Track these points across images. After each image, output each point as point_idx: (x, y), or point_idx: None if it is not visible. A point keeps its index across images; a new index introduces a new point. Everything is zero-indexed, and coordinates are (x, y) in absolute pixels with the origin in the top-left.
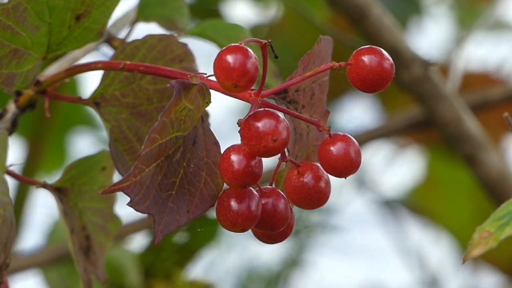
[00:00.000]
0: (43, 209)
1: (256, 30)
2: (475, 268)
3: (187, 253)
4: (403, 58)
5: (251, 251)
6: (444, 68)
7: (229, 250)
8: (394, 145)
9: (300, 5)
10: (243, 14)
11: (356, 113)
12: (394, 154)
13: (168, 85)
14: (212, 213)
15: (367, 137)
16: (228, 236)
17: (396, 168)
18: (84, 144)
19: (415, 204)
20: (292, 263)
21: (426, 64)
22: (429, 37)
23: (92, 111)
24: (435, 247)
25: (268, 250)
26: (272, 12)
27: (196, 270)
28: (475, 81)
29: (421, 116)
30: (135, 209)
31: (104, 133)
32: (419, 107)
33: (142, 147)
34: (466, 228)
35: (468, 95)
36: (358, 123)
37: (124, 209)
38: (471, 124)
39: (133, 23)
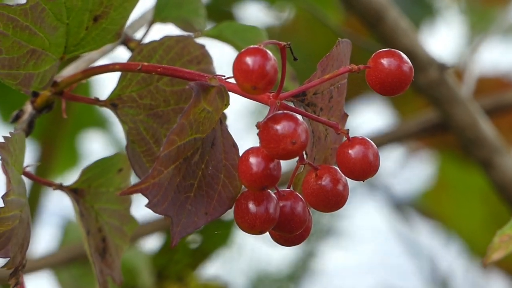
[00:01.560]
0: (55, 210)
1: (267, 32)
2: (485, 272)
3: (200, 256)
4: (419, 62)
5: (262, 253)
6: (457, 72)
7: (240, 252)
8: (406, 148)
9: (314, 7)
10: (255, 15)
11: (369, 117)
12: (405, 157)
13: (187, 86)
14: (226, 216)
15: (381, 140)
16: (240, 238)
17: (407, 171)
18: (95, 146)
19: (426, 207)
20: (303, 266)
21: (442, 67)
22: (441, 41)
23: (104, 112)
24: (445, 251)
25: (279, 252)
26: (284, 14)
27: (207, 272)
28: (488, 85)
29: (435, 120)
30: (153, 211)
31: (116, 135)
32: (435, 110)
33: (161, 148)
34: (477, 232)
35: (482, 99)
36: (371, 126)
37: (137, 211)
38: (487, 128)
39: (150, 24)
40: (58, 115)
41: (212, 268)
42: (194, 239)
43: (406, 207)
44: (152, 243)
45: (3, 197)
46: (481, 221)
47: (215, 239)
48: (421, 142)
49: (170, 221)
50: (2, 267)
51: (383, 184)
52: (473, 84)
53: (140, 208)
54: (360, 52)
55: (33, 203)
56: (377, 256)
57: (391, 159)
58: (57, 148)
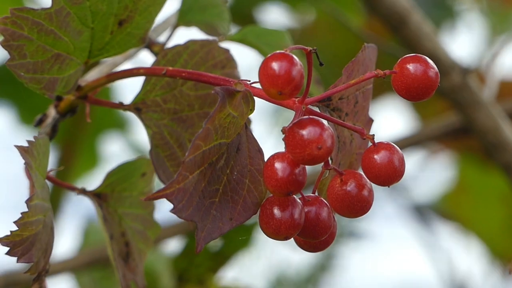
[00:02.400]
0: (75, 213)
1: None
2: (504, 275)
3: (221, 259)
4: (442, 65)
5: (281, 256)
6: (479, 75)
7: (259, 255)
8: (426, 151)
9: (336, 10)
10: (276, 18)
11: (388, 119)
12: (425, 159)
13: (212, 91)
14: (248, 220)
15: (404, 144)
16: (260, 241)
17: (427, 173)
18: (115, 148)
19: (446, 210)
20: (322, 268)
21: (464, 71)
22: (462, 43)
23: (124, 115)
24: (465, 253)
25: (298, 255)
26: (305, 17)
27: (227, 274)
28: (510, 89)
29: (457, 124)
30: (178, 216)
31: (135, 138)
32: (457, 114)
33: (186, 153)
34: (496, 235)
35: (505, 103)
36: (390, 128)
37: (157, 214)
38: (509, 132)
39: (174, 28)
40: (78, 118)
41: (232, 271)
42: (215, 243)
43: (426, 209)
44: (173, 246)
45: (27, 201)
46: (501, 224)
47: (236, 242)
48: (441, 145)
49: (194, 226)
50: (26, 272)
51: (403, 186)
52: (495, 87)
53: (160, 211)
54: (382, 55)
55: (54, 206)
56: (396, 258)
57: (411, 162)
58: (77, 150)
